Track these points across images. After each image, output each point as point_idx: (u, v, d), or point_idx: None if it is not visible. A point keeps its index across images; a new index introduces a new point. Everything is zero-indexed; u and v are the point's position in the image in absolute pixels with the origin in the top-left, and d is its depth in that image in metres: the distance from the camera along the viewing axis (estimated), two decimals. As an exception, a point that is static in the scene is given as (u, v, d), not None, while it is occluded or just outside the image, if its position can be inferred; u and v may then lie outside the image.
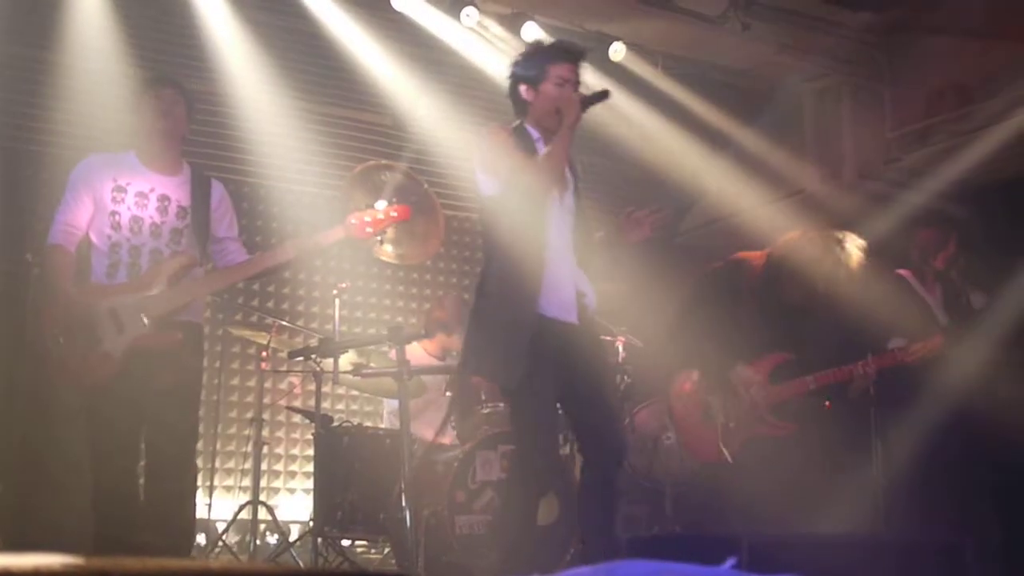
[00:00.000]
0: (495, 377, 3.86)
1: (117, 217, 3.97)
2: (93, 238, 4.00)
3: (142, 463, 3.92)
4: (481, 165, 3.72)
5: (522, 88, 3.81)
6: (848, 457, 5.04)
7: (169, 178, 4.08)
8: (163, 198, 4.03)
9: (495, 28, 6.38)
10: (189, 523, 4.01)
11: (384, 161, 6.00)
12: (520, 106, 3.84)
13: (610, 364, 3.90)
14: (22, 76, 6.09)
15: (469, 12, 6.18)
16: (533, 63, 3.82)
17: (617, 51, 6.52)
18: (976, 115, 6.37)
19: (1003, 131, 6.12)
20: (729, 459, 4.49)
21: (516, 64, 3.87)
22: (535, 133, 3.78)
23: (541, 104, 3.76)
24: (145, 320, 3.82)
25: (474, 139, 3.82)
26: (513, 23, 6.41)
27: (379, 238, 4.18)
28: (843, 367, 4.68)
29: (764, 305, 4.70)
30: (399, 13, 6.28)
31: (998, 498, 4.92)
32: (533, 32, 6.41)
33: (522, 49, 4.09)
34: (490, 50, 6.55)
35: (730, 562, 2.16)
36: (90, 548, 3.82)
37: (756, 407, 4.60)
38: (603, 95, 3.76)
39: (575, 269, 3.79)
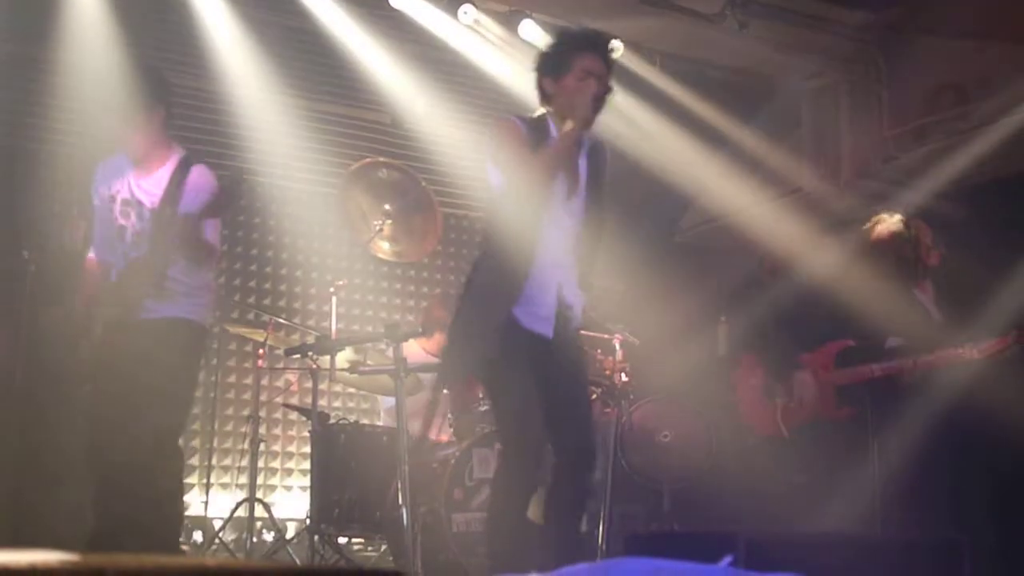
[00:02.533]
0: (465, 369, 3.85)
1: (111, 226, 4.04)
2: (101, 244, 4.11)
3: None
4: (489, 155, 3.59)
5: (546, 80, 3.61)
6: (845, 456, 5.05)
7: (150, 177, 4.05)
8: (141, 203, 4.03)
9: (492, 25, 6.38)
10: (171, 527, 3.95)
11: (382, 158, 6.00)
12: (544, 98, 3.64)
13: (586, 376, 3.82)
14: (20, 74, 6.08)
15: (466, 9, 6.17)
16: (557, 53, 3.62)
17: (615, 49, 6.52)
18: (973, 114, 6.37)
19: (1000, 130, 6.12)
20: (785, 433, 4.58)
21: (542, 54, 3.68)
22: (554, 128, 3.59)
23: (562, 98, 3.56)
24: (113, 307, 3.90)
25: (486, 129, 3.67)
26: (510, 20, 6.42)
27: (379, 228, 4.12)
28: (909, 359, 4.73)
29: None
30: (397, 10, 6.28)
31: (994, 498, 4.93)
32: (530, 30, 6.42)
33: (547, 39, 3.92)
34: (487, 47, 6.55)
35: (727, 560, 2.16)
36: (86, 545, 3.79)
37: (822, 392, 4.67)
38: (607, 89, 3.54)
39: (566, 278, 3.61)
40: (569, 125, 3.50)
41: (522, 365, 3.50)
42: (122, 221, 4.01)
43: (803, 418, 4.64)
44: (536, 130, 3.59)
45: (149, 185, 4.05)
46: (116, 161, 4.14)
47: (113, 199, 4.04)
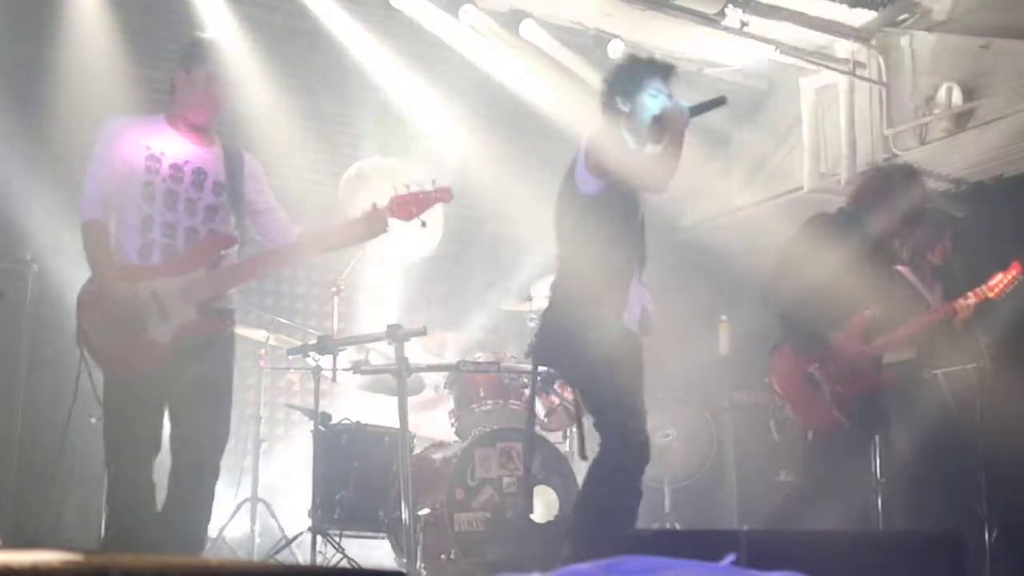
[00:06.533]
0: (574, 379, 4.06)
1: (151, 189, 3.68)
2: (121, 210, 3.71)
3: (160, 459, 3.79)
4: (588, 162, 3.85)
5: (618, 99, 3.98)
6: (847, 453, 5.05)
7: (203, 150, 3.82)
8: (198, 171, 3.76)
9: (493, 26, 6.38)
10: (202, 528, 3.84)
11: (383, 158, 6.01)
12: (614, 116, 4.00)
13: None
14: (21, 74, 6.08)
15: (467, 9, 6.18)
16: (629, 76, 4.02)
17: (616, 49, 6.53)
18: (973, 113, 6.38)
19: (1000, 129, 6.13)
20: (843, 420, 4.58)
21: (612, 77, 4.07)
22: (631, 142, 3.97)
23: (635, 115, 3.94)
24: (190, 306, 3.62)
25: (582, 139, 3.97)
26: (511, 20, 6.42)
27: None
28: (938, 308, 4.93)
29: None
30: (397, 10, 6.29)
31: (996, 495, 4.93)
32: (531, 30, 6.42)
33: (613, 63, 4.32)
34: (488, 47, 6.56)
35: (729, 558, 2.16)
36: (91, 545, 3.76)
37: (859, 366, 4.69)
38: (719, 101, 3.97)
39: (639, 282, 3.96)
40: (677, 132, 3.87)
41: (628, 365, 3.83)
42: (171, 185, 3.70)
43: (852, 398, 4.64)
44: (619, 141, 3.97)
45: (207, 157, 3.82)
46: (147, 120, 3.87)
47: (157, 159, 3.70)
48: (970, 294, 4.97)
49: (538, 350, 4.05)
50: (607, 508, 3.80)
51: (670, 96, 3.98)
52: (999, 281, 5.01)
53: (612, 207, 3.85)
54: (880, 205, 4.65)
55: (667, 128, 3.87)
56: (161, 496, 3.77)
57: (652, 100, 3.95)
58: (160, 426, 3.74)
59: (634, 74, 4.03)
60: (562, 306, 3.95)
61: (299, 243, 3.95)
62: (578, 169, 3.90)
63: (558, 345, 3.92)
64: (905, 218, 4.68)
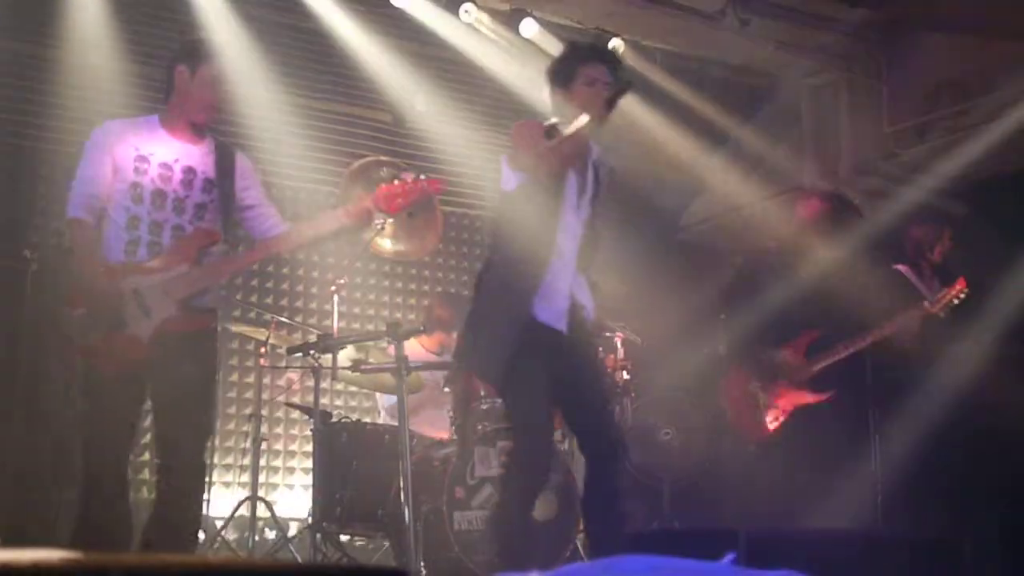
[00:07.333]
0: (482, 374, 3.97)
1: (139, 189, 3.71)
2: (110, 210, 3.73)
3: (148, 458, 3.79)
4: (508, 157, 3.76)
5: (555, 89, 3.86)
6: (847, 453, 5.06)
7: (194, 147, 3.83)
8: (188, 170, 3.77)
9: (493, 24, 6.38)
10: (193, 524, 3.83)
11: (382, 157, 6.00)
12: (555, 106, 3.87)
13: (603, 371, 3.94)
14: (21, 72, 6.08)
15: (468, 8, 6.18)
16: (564, 64, 3.90)
17: (616, 47, 6.53)
18: (973, 111, 6.38)
19: (1000, 127, 6.13)
20: (770, 430, 4.67)
21: (550, 66, 3.96)
22: (564, 131, 3.79)
23: (572, 104, 3.77)
24: (172, 303, 3.63)
25: (504, 131, 3.88)
26: (511, 19, 6.42)
27: (379, 226, 4.08)
28: (874, 329, 5.00)
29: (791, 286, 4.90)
30: (398, 8, 6.29)
31: (996, 494, 4.93)
32: (531, 28, 6.42)
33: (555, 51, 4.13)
34: (488, 46, 6.55)
35: (729, 557, 2.16)
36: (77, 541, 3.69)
37: (796, 382, 4.77)
38: (624, 88, 3.73)
39: (576, 279, 3.79)
40: (583, 119, 3.63)
41: (537, 361, 3.64)
42: (160, 185, 3.71)
43: (786, 411, 4.72)
44: (553, 135, 3.77)
45: (197, 154, 3.82)
46: (137, 123, 3.87)
47: (145, 160, 3.72)
48: (914, 311, 5.02)
49: (456, 349, 4.01)
50: (498, 521, 3.75)
51: (610, 83, 3.78)
52: (943, 296, 5.06)
53: (533, 200, 3.70)
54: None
55: (586, 113, 3.67)
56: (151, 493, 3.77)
57: (587, 89, 3.77)
58: (137, 423, 3.75)
59: (568, 62, 3.89)
60: (476, 300, 3.84)
61: (280, 238, 3.94)
62: (503, 166, 3.79)
63: (467, 341, 3.84)
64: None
